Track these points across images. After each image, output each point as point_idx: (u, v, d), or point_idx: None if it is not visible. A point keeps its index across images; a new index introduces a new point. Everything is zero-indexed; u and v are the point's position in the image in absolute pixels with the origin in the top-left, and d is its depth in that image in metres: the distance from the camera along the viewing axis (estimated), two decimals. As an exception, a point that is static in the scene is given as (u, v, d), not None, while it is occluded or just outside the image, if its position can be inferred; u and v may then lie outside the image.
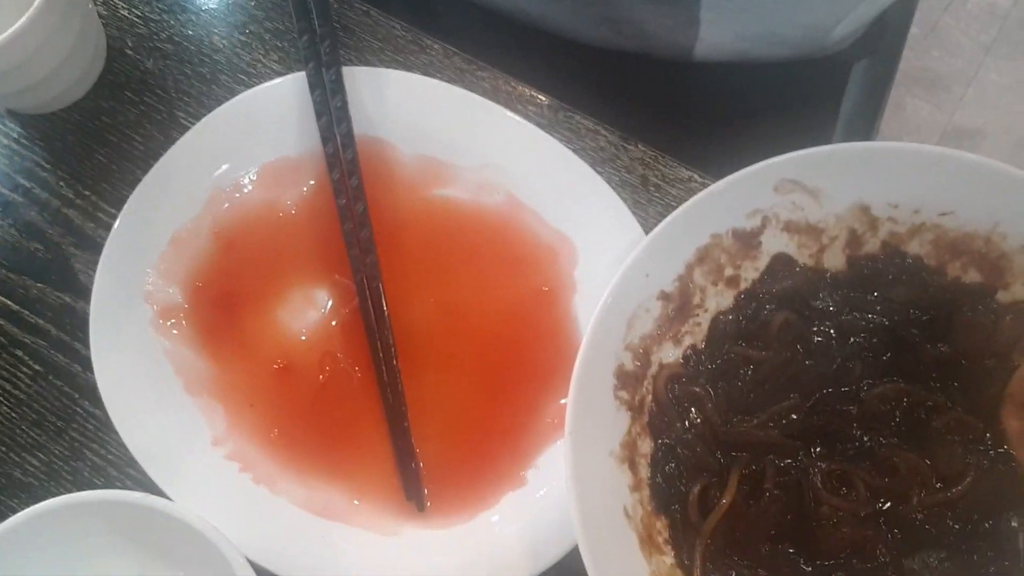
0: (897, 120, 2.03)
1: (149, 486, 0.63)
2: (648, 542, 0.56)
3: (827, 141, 0.57)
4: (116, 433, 0.64)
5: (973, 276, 0.60)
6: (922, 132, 2.05)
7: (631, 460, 0.58)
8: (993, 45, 2.15)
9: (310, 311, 0.69)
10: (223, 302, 0.68)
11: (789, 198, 0.60)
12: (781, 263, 0.62)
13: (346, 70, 0.71)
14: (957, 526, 0.57)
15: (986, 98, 2.10)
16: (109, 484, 0.66)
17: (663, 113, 0.82)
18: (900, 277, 0.61)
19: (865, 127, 1.04)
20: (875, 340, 0.60)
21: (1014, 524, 0.56)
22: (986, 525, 0.57)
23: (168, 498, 0.61)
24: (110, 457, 0.67)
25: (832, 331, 0.61)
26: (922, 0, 1.03)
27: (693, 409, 0.60)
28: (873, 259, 0.62)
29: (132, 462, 0.64)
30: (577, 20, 0.86)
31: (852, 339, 0.61)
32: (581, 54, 0.89)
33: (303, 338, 0.68)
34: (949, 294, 0.60)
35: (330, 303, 0.69)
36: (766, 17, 0.81)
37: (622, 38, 0.86)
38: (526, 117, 0.72)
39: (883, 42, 0.97)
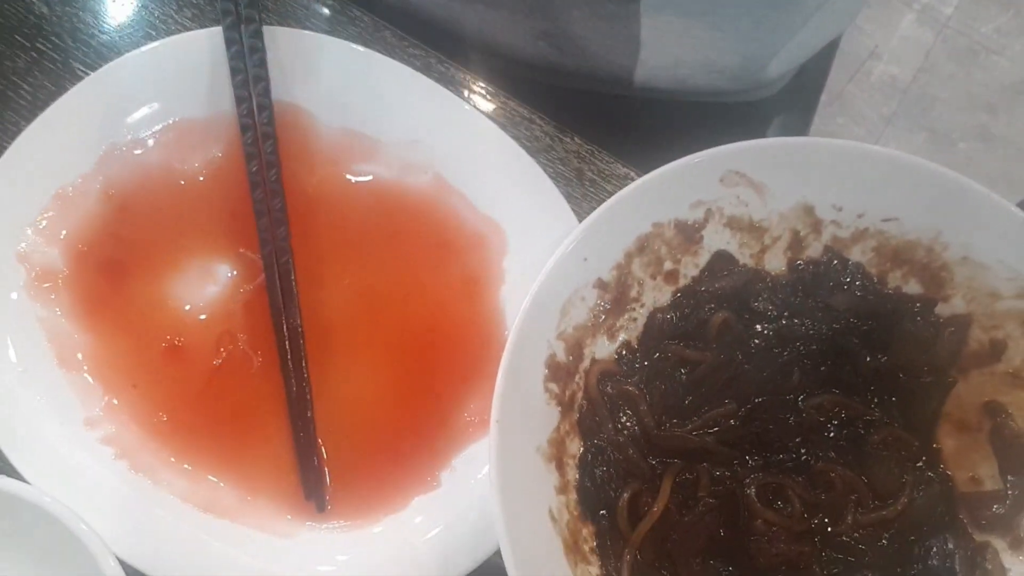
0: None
1: (4, 468, 0.55)
2: (574, 549, 0.51)
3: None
4: (-29, 405, 0.55)
5: (914, 287, 0.59)
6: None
7: (559, 460, 0.53)
8: (893, 117, 2.24)
9: (209, 286, 0.62)
10: (109, 269, 0.61)
11: (734, 191, 0.57)
12: (722, 261, 0.60)
13: (267, 30, 0.66)
14: (892, 546, 0.55)
15: (888, 164, 2.18)
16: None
17: (601, 123, 0.78)
18: (841, 284, 0.59)
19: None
20: (814, 348, 0.58)
21: (950, 546, 0.55)
22: (921, 546, 0.55)
23: (25, 481, 0.53)
24: (-40, 432, 0.58)
25: (771, 335, 0.58)
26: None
27: (626, 409, 0.56)
28: (815, 264, 0.60)
29: (-14, 437, 0.55)
30: (514, 34, 0.82)
31: (791, 345, 0.58)
32: (516, 73, 0.85)
33: (202, 318, 0.61)
34: (890, 304, 0.59)
35: (232, 277, 0.62)
36: (705, 44, 0.79)
37: (562, 56, 0.83)
38: (458, 100, 0.67)
39: (800, 95, 0.98)
